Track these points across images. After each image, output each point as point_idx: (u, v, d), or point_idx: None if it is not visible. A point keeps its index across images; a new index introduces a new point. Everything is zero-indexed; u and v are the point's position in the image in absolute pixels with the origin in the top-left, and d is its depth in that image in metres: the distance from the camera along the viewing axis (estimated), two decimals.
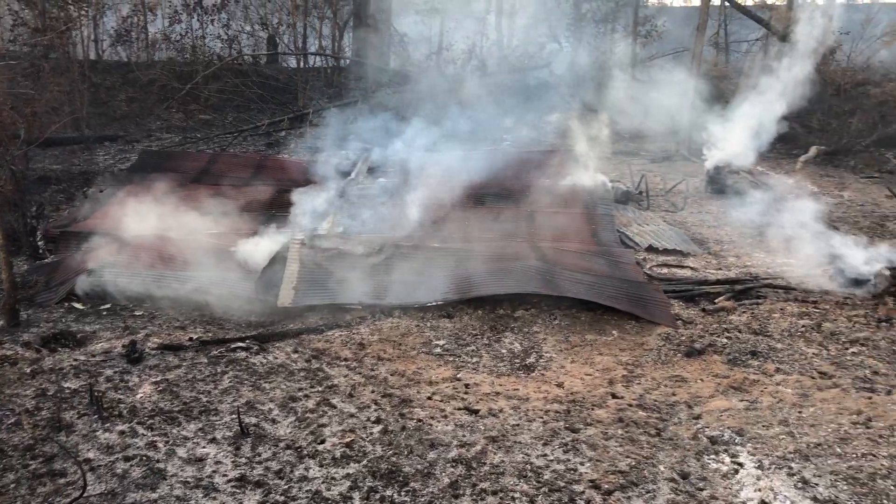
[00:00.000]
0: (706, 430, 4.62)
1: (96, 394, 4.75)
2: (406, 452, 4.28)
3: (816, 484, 4.03)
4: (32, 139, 9.65)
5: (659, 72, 18.41)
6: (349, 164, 12.05)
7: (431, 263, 7.37)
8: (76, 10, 14.55)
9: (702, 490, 3.99)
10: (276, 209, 9.53)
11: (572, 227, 9.21)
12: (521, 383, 5.33)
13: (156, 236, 7.85)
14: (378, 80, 18.05)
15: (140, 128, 15.91)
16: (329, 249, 7.55)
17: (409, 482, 4.00)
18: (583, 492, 3.92)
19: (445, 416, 4.71)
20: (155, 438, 4.36)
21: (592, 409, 4.88)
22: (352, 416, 4.71)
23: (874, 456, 4.29)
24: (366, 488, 3.94)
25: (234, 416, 4.61)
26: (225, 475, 4.04)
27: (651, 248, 8.85)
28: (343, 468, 4.12)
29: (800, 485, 4.03)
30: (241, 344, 5.73)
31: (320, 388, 5.10)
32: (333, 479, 4.03)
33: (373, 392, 5.06)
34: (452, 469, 4.12)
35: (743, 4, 19.95)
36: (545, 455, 4.29)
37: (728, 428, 4.64)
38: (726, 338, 6.20)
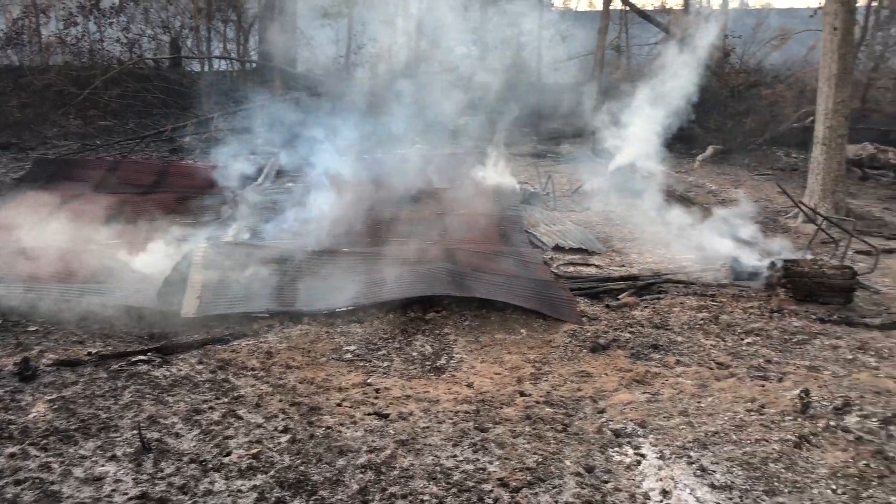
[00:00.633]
0: (610, 423, 4.75)
1: None
2: (314, 461, 4.23)
3: (714, 471, 4.19)
4: None
5: (564, 75, 18.87)
6: (256, 169, 11.85)
7: (341, 268, 7.32)
8: None
9: (606, 483, 4.09)
10: (180, 216, 9.28)
11: (482, 229, 9.32)
12: (431, 385, 5.34)
13: (52, 247, 7.51)
14: (286, 83, 17.81)
15: (35, 135, 15.22)
16: (235, 257, 7.38)
17: (318, 490, 3.95)
18: (491, 490, 3.97)
19: (355, 422, 4.68)
20: (49, 459, 4.16)
21: (501, 408, 4.94)
22: (259, 426, 4.62)
23: (767, 441, 4.49)
24: (273, 499, 3.87)
25: (135, 431, 4.45)
26: (125, 493, 3.89)
27: (558, 248, 9.04)
28: (249, 480, 4.03)
29: (698, 472, 4.18)
30: (142, 357, 5.54)
31: (226, 400, 4.98)
32: (240, 491, 3.94)
33: (281, 401, 4.98)
34: (362, 475, 4.10)
35: (642, 9, 20.63)
36: (455, 456, 4.31)
37: (631, 420, 4.77)
38: (629, 333, 6.39)
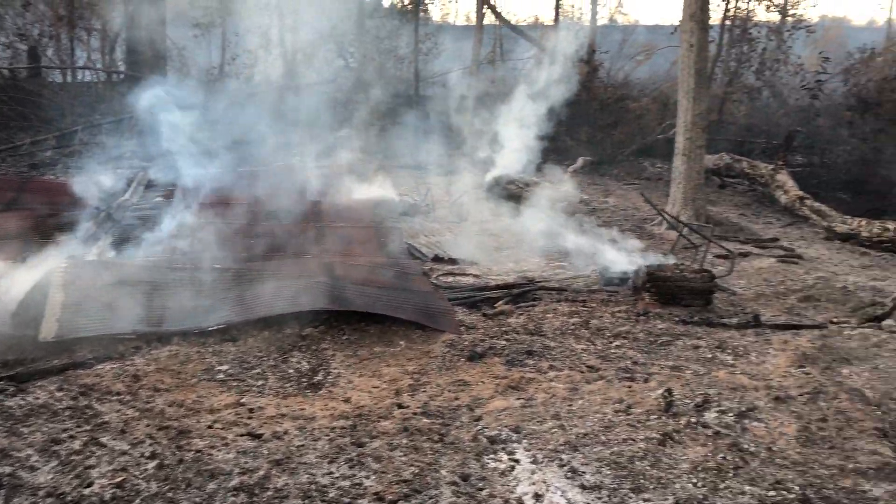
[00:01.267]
0: (486, 430, 4.82)
1: None
2: (183, 486, 4.07)
3: (584, 472, 4.33)
4: None
5: (440, 88, 19.12)
6: (123, 183, 11.33)
7: (213, 285, 7.09)
8: None
9: (481, 490, 4.15)
10: (39, 235, 8.73)
11: (361, 241, 9.27)
12: (307, 402, 5.26)
13: None
14: (155, 94, 17.13)
15: None
16: (99, 276, 7.02)
17: None
18: None
19: (227, 444, 4.54)
20: None
21: (378, 422, 4.93)
22: (124, 453, 4.40)
23: (633, 440, 4.69)
24: None
25: None
26: None
27: (437, 259, 9.12)
28: None
29: (569, 474, 4.31)
30: None
31: (88, 427, 4.72)
32: None
33: (148, 426, 4.77)
34: (234, 498, 3.97)
35: (515, 24, 21.23)
36: (331, 473, 4.26)
37: (506, 427, 4.86)
38: (505, 340, 6.51)
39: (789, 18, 21.93)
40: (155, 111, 13.28)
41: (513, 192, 12.16)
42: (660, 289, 7.47)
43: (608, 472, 4.33)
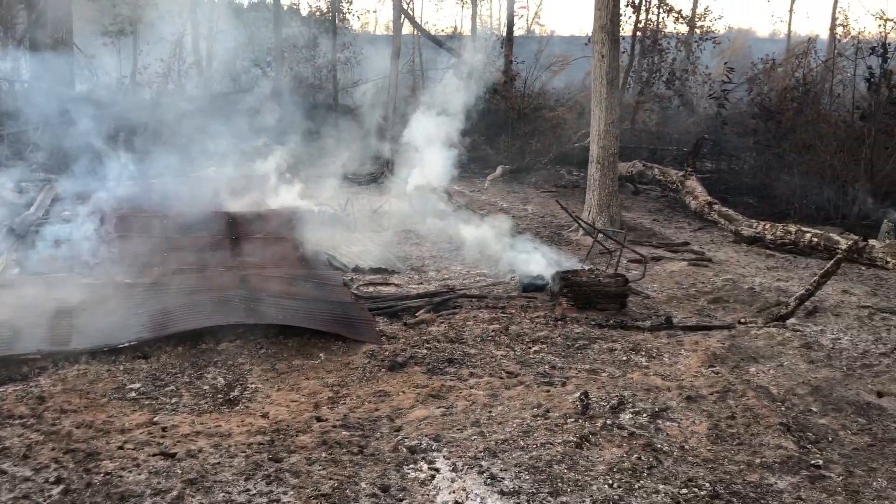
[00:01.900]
0: (406, 440, 4.81)
1: None
2: None
3: (503, 478, 4.36)
4: None
5: (361, 97, 19.04)
6: (28, 197, 10.87)
7: (123, 301, 6.87)
8: None
9: (402, 500, 4.13)
10: None
11: (279, 253, 9.14)
12: (223, 419, 5.14)
13: None
14: (61, 105, 16.50)
15: None
16: (1, 293, 6.71)
17: None
18: None
19: (138, 465, 4.39)
20: None
21: (297, 436, 4.85)
22: (26, 479, 4.20)
23: (551, 444, 4.75)
24: None
25: None
26: None
27: (358, 269, 9.07)
28: None
29: (489, 481, 4.34)
30: None
31: None
32: None
33: (53, 449, 4.56)
34: None
35: (433, 34, 21.36)
36: (247, 490, 4.17)
37: (426, 436, 4.86)
38: (426, 349, 6.52)
39: (697, 30, 22.83)
40: (63, 121, 12.81)
41: (434, 201, 12.20)
42: (576, 294, 7.62)
43: (527, 477, 4.37)
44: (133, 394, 5.52)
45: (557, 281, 7.79)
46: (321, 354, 6.39)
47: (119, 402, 5.38)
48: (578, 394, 5.35)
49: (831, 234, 10.56)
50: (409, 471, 4.45)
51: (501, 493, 4.22)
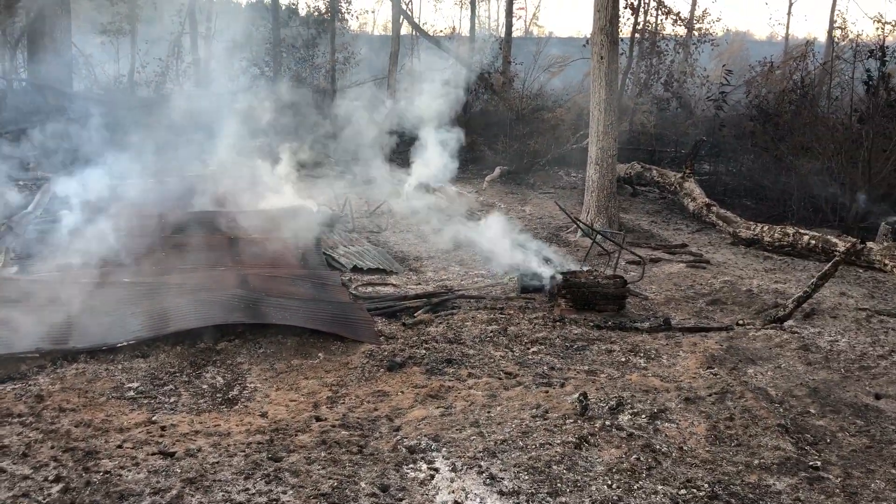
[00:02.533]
0: (405, 440, 4.81)
1: None
2: None
3: (502, 478, 4.37)
4: None
5: (359, 97, 19.01)
6: (27, 196, 10.86)
7: (122, 300, 6.86)
8: None
9: (401, 500, 4.14)
10: None
11: (278, 253, 9.13)
12: (222, 418, 5.13)
13: None
14: (59, 103, 16.48)
15: None
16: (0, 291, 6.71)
17: None
18: None
19: (137, 464, 4.38)
20: None
21: (296, 435, 4.85)
22: (26, 478, 4.20)
23: (550, 445, 4.76)
24: None
25: None
26: None
27: (356, 269, 9.06)
28: None
29: (488, 481, 4.34)
30: None
31: None
32: None
33: (52, 448, 4.56)
34: None
35: (432, 34, 21.36)
36: (247, 489, 4.17)
37: (425, 436, 4.87)
38: (425, 349, 6.52)
39: (695, 33, 22.86)
40: (60, 120, 12.80)
41: (432, 201, 12.19)
42: (574, 295, 7.62)
43: (526, 477, 4.38)
44: (132, 393, 5.52)
45: (556, 282, 7.79)
46: (320, 354, 6.39)
47: (118, 401, 5.38)
48: (577, 395, 5.35)
49: (829, 237, 10.58)
50: (409, 470, 4.46)
51: (501, 493, 4.22)
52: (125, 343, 6.18)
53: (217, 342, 6.42)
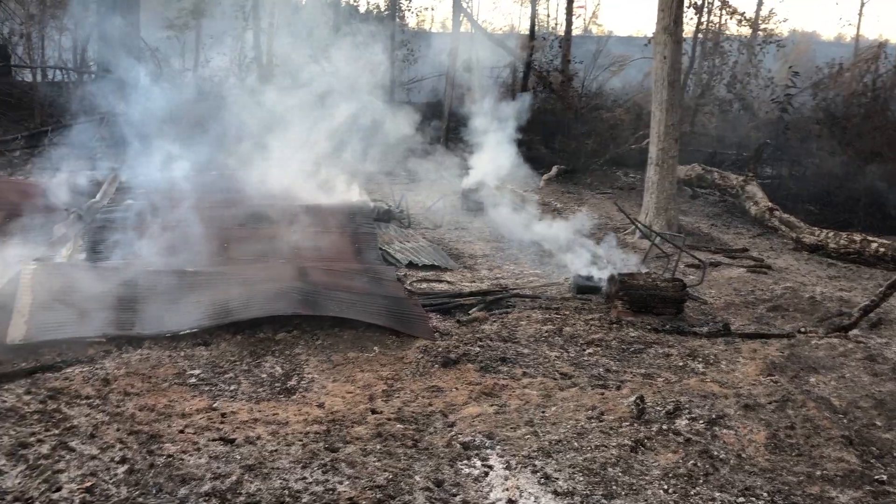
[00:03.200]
0: (459, 436, 4.83)
1: None
2: (154, 491, 4.02)
3: (557, 478, 4.35)
4: None
5: (418, 94, 19.14)
6: (94, 185, 11.21)
7: (185, 289, 7.03)
8: None
9: (455, 496, 4.16)
10: (7, 236, 8.60)
11: (336, 247, 9.26)
12: (280, 407, 5.23)
13: None
14: (127, 96, 16.94)
15: None
16: (68, 278, 6.93)
17: None
18: None
19: (199, 449, 4.50)
20: None
21: (352, 427, 4.91)
22: (93, 457, 4.35)
23: (605, 447, 4.72)
24: None
25: None
26: None
27: (411, 265, 9.12)
28: None
29: (543, 480, 4.33)
30: None
31: (57, 431, 4.65)
32: None
33: (118, 430, 4.71)
34: (205, 503, 3.94)
35: (491, 32, 21.32)
36: (304, 478, 4.24)
37: (480, 433, 4.88)
38: (479, 346, 6.53)
39: (760, 33, 22.34)
40: (128, 112, 13.15)
41: (487, 199, 12.19)
42: (632, 297, 7.53)
43: (581, 479, 4.36)
44: (193, 379, 5.66)
45: (614, 284, 7.71)
46: (375, 348, 6.45)
47: (180, 387, 5.52)
48: (633, 398, 5.30)
49: None
50: (463, 466, 4.48)
51: (555, 493, 4.21)
52: (188, 331, 6.34)
53: (276, 333, 6.53)
